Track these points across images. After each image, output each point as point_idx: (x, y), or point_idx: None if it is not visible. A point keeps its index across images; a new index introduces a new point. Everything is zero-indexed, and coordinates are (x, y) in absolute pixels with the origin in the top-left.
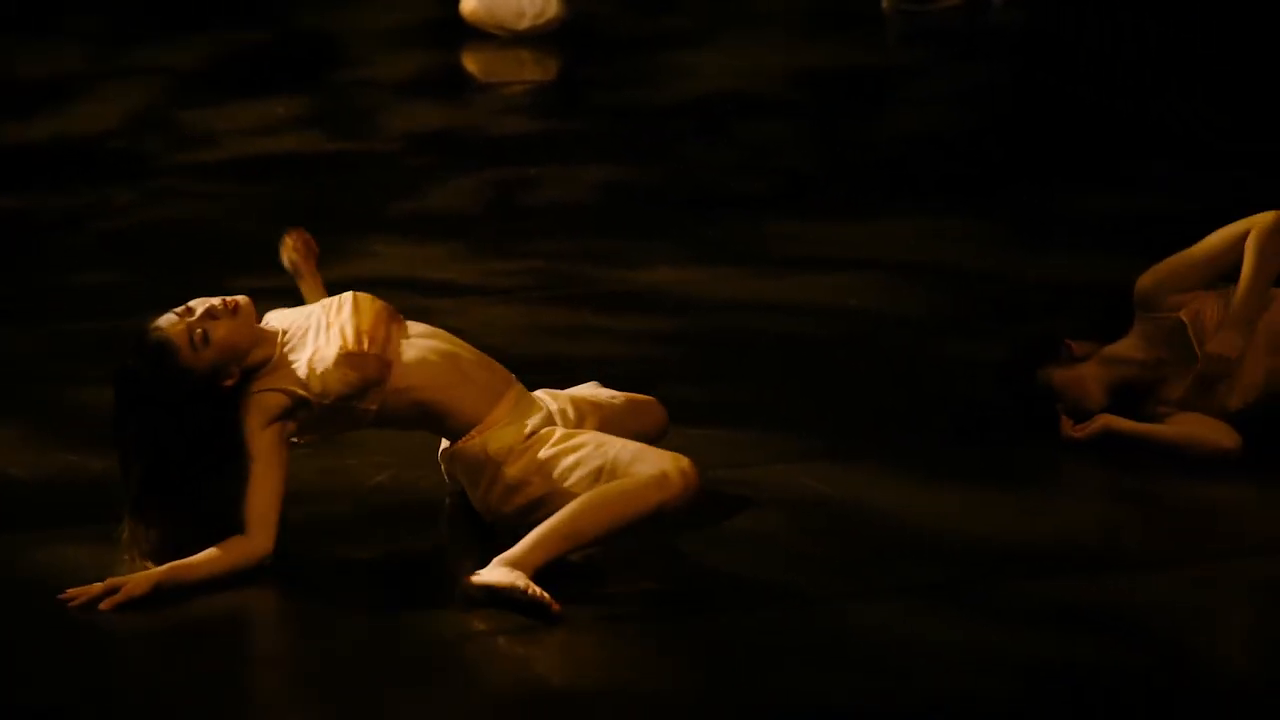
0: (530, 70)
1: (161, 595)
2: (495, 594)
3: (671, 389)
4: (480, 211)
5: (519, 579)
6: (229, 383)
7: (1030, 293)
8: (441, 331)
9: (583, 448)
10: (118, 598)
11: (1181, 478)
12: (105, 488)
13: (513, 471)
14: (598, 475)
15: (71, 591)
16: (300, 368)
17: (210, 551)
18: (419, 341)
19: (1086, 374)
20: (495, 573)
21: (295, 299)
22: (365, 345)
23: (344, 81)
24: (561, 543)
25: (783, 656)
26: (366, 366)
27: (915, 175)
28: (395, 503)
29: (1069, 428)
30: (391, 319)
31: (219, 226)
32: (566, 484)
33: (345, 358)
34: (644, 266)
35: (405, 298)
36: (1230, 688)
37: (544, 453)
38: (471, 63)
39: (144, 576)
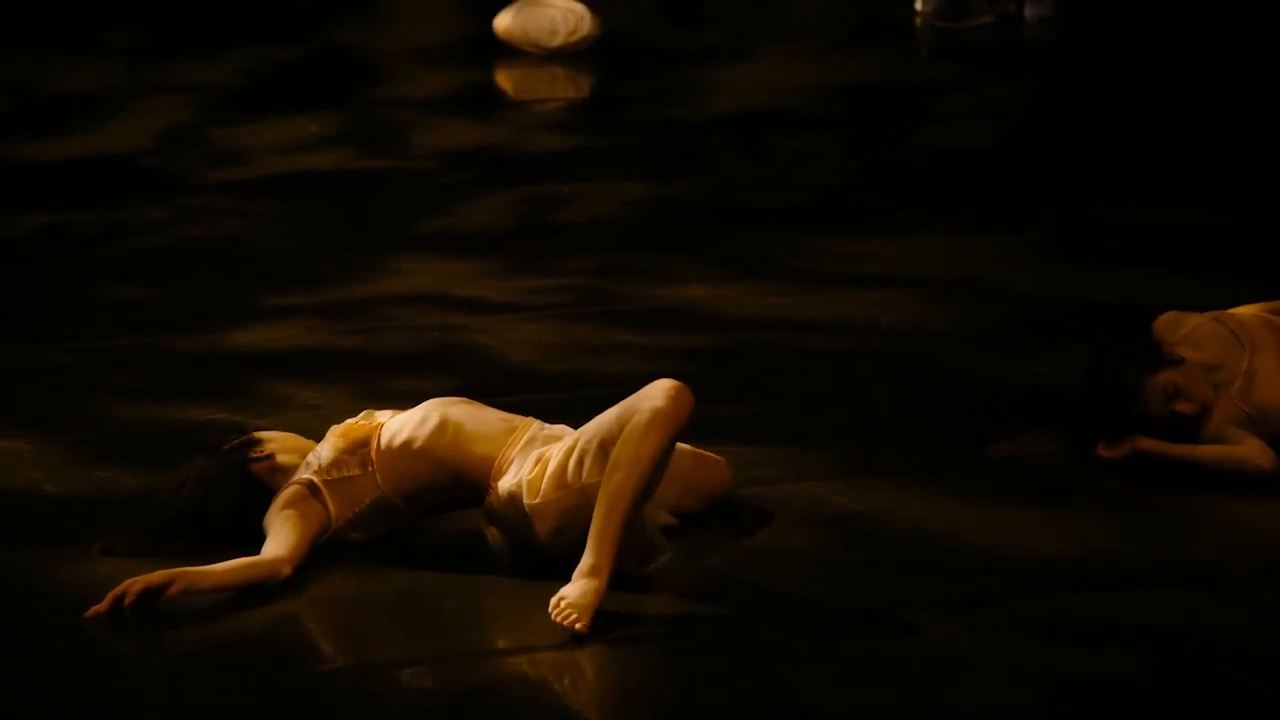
0: (564, 87)
1: (178, 594)
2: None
3: (702, 406)
4: (512, 228)
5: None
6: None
7: (1067, 309)
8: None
9: (576, 440)
10: (137, 587)
11: (1213, 494)
12: (137, 506)
13: (535, 501)
14: (603, 451)
15: (92, 611)
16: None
17: (232, 561)
18: (402, 415)
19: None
20: (589, 596)
21: (328, 314)
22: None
23: (377, 99)
24: (619, 528)
25: (813, 672)
26: (351, 432)
27: (950, 191)
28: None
29: (1102, 448)
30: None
31: (252, 243)
32: (585, 479)
33: (332, 431)
34: (676, 283)
35: (437, 314)
36: (1266, 705)
37: (551, 469)
38: (505, 80)
39: (160, 572)
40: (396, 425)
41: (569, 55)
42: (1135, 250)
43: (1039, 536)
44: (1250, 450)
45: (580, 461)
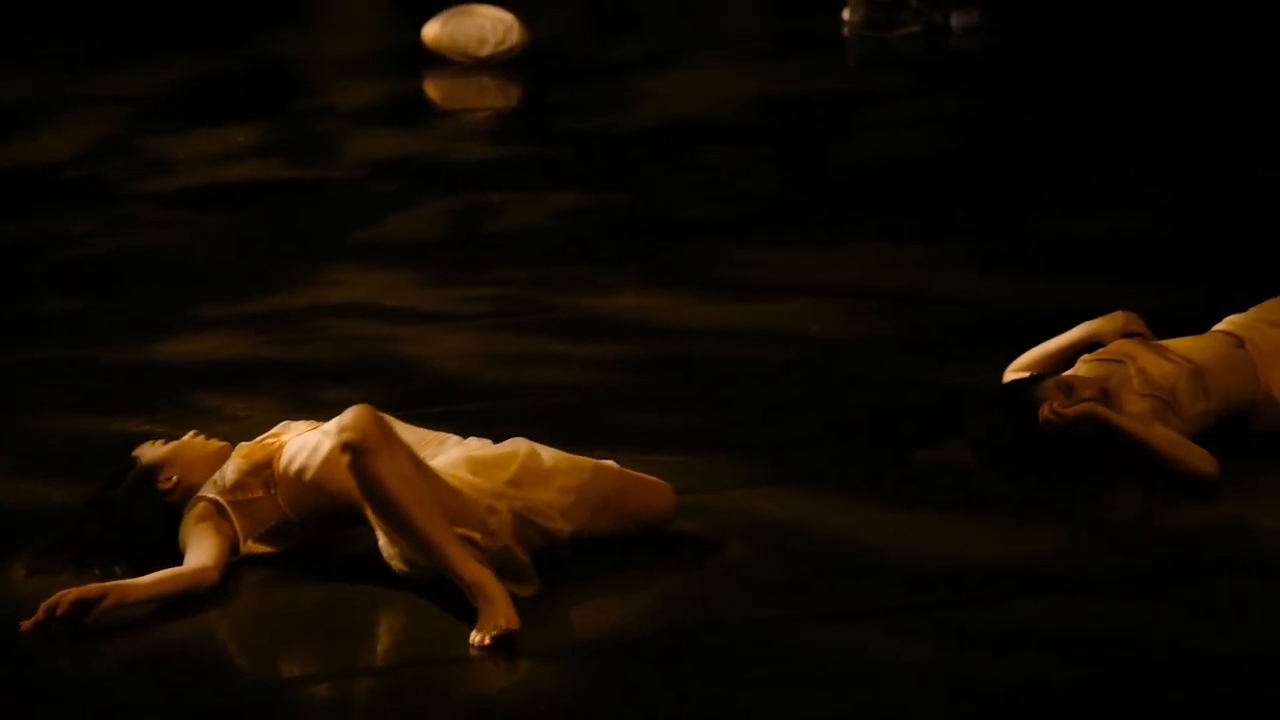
0: (493, 97)
1: (111, 606)
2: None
3: (632, 415)
4: (442, 238)
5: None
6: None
7: (996, 318)
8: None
9: None
10: (69, 599)
11: (1149, 500)
12: (66, 518)
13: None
14: None
15: (28, 624)
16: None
17: (159, 573)
18: (303, 437)
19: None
20: (492, 605)
21: (257, 325)
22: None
23: (306, 108)
24: (442, 553)
25: (746, 681)
26: (254, 454)
27: (878, 200)
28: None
29: (1051, 409)
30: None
31: (181, 254)
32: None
33: (237, 450)
34: (606, 293)
35: (367, 324)
36: (1203, 711)
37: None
38: (434, 89)
39: (93, 585)
40: (294, 449)
41: (498, 64)
42: (1064, 260)
43: (968, 544)
44: (1197, 453)
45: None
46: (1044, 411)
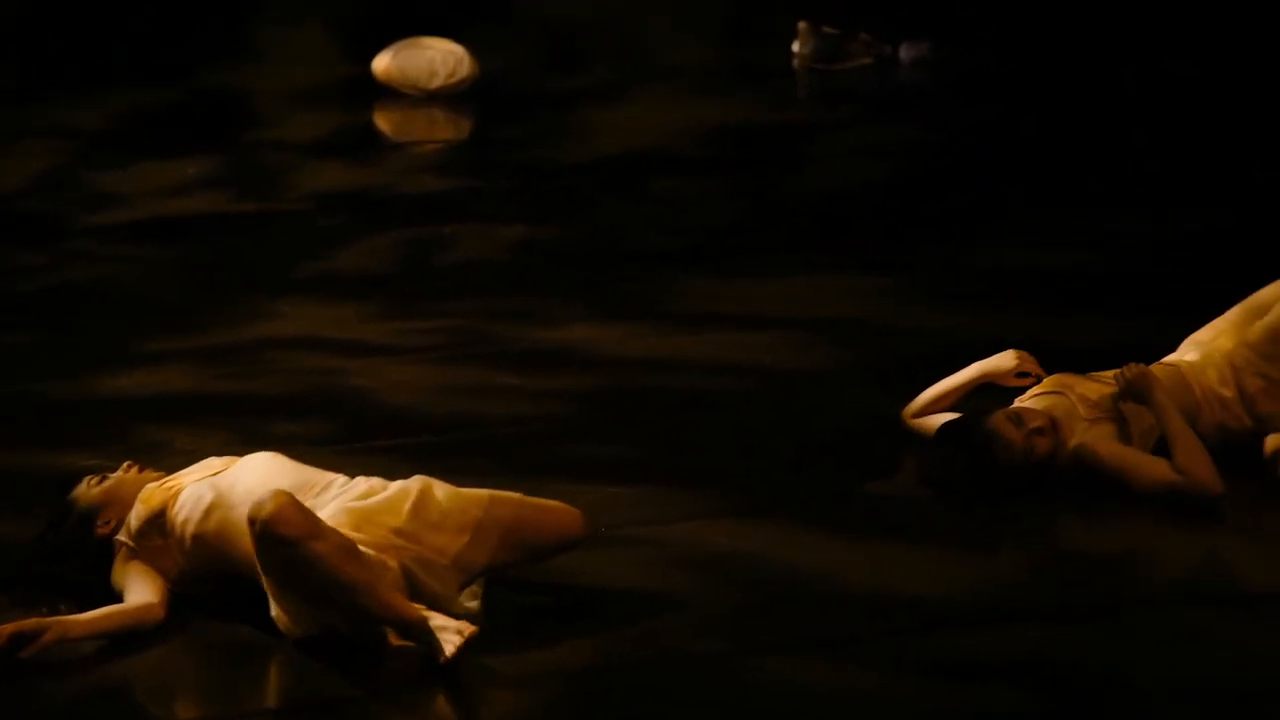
0: (443, 129)
1: (52, 641)
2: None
3: (583, 447)
4: (391, 271)
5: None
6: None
7: (945, 349)
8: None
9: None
10: (6, 632)
11: (1092, 532)
12: (12, 555)
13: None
14: None
15: None
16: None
17: (103, 609)
18: (193, 488)
19: None
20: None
21: (205, 359)
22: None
23: (254, 141)
24: (368, 611)
25: (694, 713)
26: (151, 499)
27: (828, 231)
28: None
29: (1028, 434)
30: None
31: (129, 288)
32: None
33: (142, 492)
34: (557, 325)
35: (315, 358)
36: None
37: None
38: (383, 122)
39: (33, 620)
40: (184, 499)
41: (448, 97)
42: (1012, 290)
43: (918, 575)
44: (1212, 467)
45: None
46: (1014, 436)
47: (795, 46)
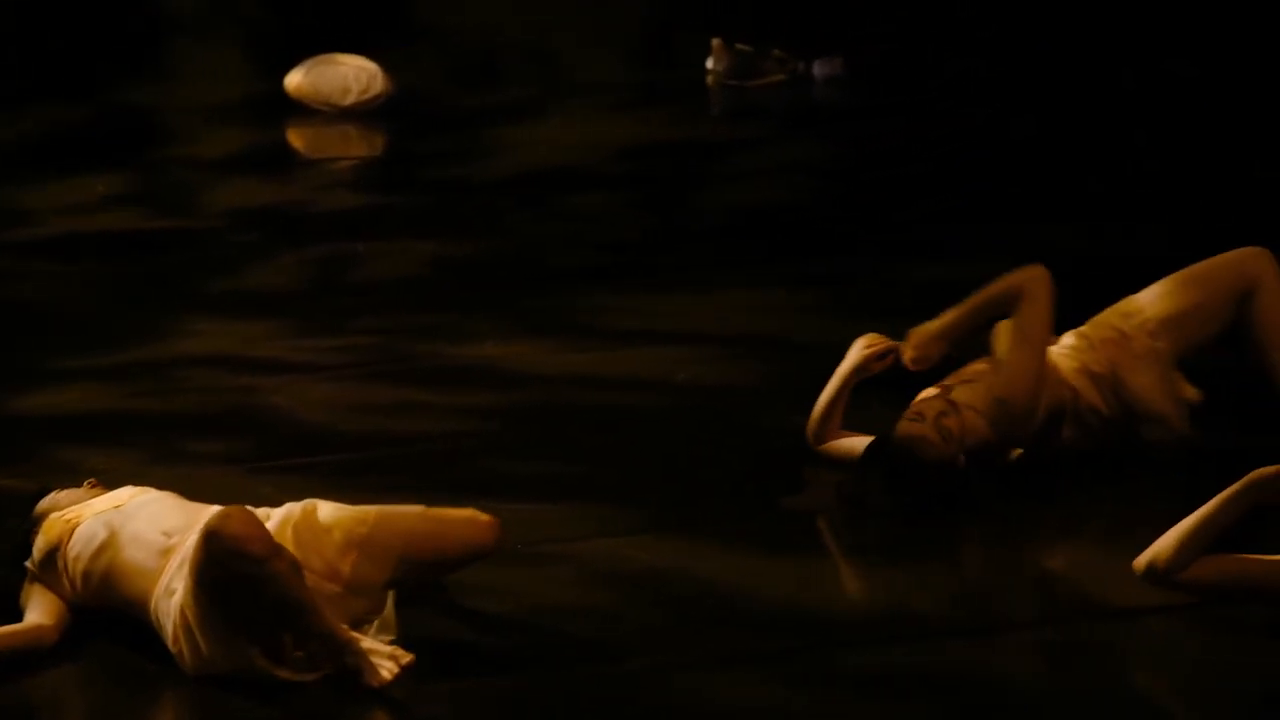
0: (356, 146)
1: None
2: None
3: (499, 464)
4: (305, 288)
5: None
6: None
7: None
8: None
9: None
10: None
11: (1011, 546)
12: None
13: (187, 666)
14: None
15: None
16: None
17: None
18: (90, 523)
19: None
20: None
21: (118, 377)
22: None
23: (167, 158)
24: (308, 623)
25: None
26: (50, 530)
27: (742, 247)
28: None
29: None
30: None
31: (39, 305)
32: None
33: (44, 524)
34: (471, 341)
35: (229, 376)
36: None
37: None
38: (297, 139)
39: None
40: (79, 535)
41: (361, 114)
42: (926, 305)
43: (837, 590)
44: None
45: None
46: (923, 430)
47: (709, 63)
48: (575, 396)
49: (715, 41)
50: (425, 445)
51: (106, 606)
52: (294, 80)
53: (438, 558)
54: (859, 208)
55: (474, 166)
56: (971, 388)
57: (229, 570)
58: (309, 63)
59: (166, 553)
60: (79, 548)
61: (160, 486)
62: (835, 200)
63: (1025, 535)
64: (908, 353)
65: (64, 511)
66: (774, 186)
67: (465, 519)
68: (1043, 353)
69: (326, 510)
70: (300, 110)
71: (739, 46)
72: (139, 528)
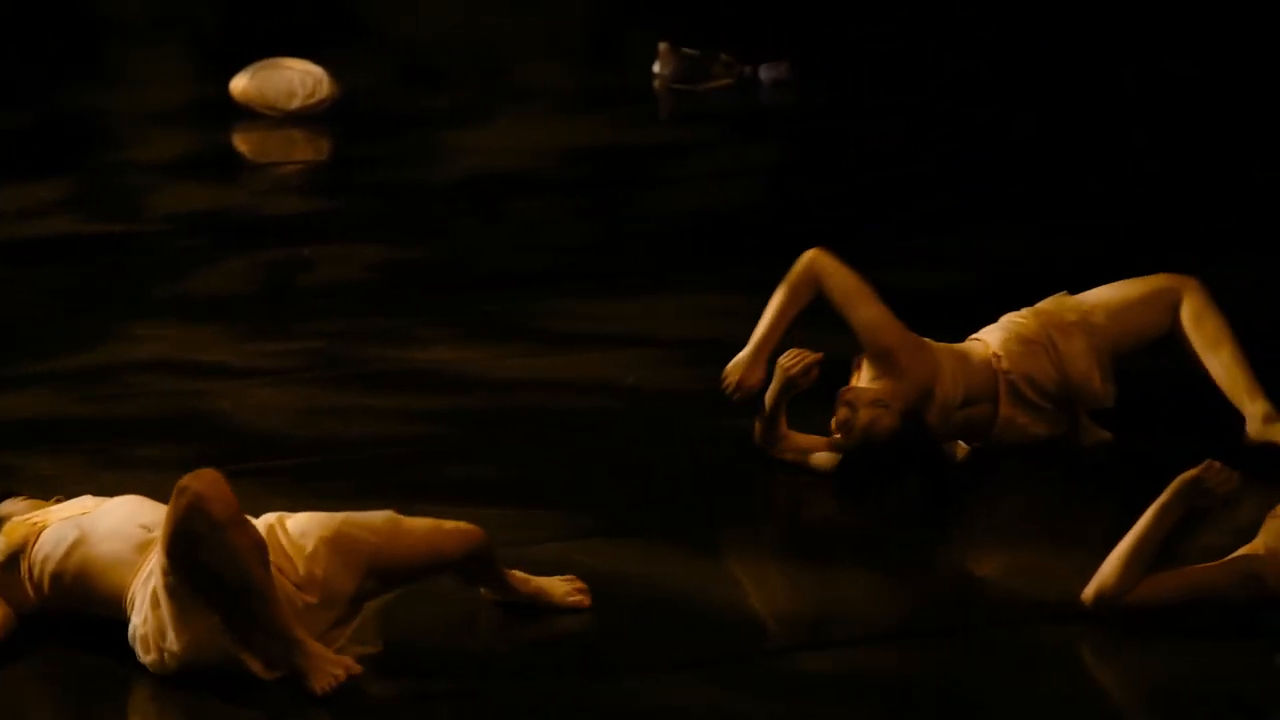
0: (302, 150)
1: None
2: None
3: (448, 468)
4: (252, 292)
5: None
6: None
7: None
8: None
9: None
10: None
11: (953, 549)
12: None
13: (149, 659)
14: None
15: None
16: None
17: None
18: (57, 527)
19: None
20: (307, 682)
21: (62, 382)
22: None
23: (111, 163)
24: (262, 620)
25: None
26: (12, 534)
27: (690, 251)
28: None
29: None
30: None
31: None
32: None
33: (5, 528)
34: (419, 346)
35: (176, 381)
36: None
37: (152, 626)
38: (242, 143)
39: None
40: (46, 538)
41: (307, 118)
42: None
43: (783, 594)
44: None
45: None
46: (852, 416)
47: (656, 68)
48: (525, 401)
49: (662, 45)
50: (375, 450)
51: (76, 608)
52: (239, 84)
53: (408, 564)
54: (807, 211)
55: (421, 171)
56: (864, 366)
57: (190, 529)
58: (254, 66)
59: (145, 546)
60: (47, 549)
61: (107, 492)
62: (783, 204)
63: (974, 538)
64: (733, 394)
65: (27, 515)
66: (723, 190)
67: (445, 532)
68: (873, 298)
69: (296, 520)
70: (246, 114)
71: (686, 50)
72: (114, 523)
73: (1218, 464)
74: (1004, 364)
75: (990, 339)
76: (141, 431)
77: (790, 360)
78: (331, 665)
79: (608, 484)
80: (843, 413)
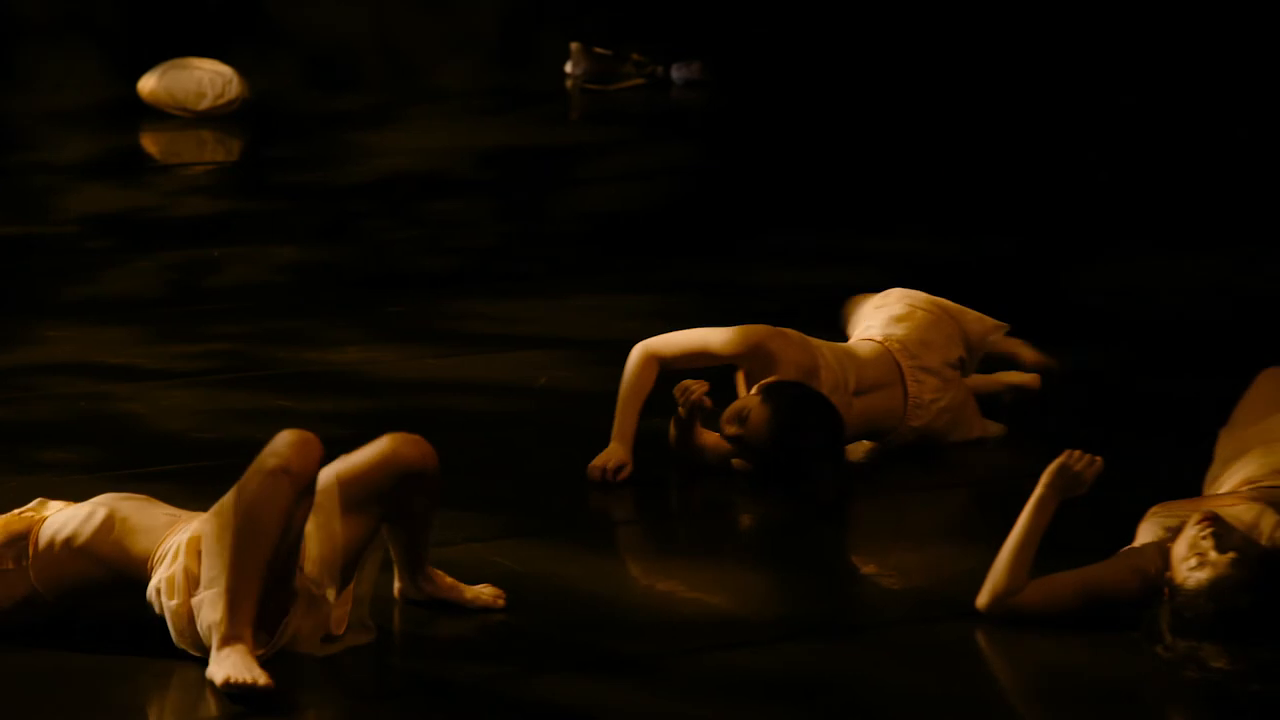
0: (212, 151)
1: None
2: (217, 690)
3: None
4: (161, 294)
5: (229, 670)
6: None
7: (717, 368)
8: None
9: (199, 530)
10: None
11: (858, 550)
12: None
13: (173, 603)
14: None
15: None
16: None
17: None
18: (68, 510)
19: None
20: (213, 667)
21: None
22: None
23: (16, 164)
24: (242, 584)
25: None
26: (11, 525)
27: (601, 251)
28: None
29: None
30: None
31: None
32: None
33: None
34: (330, 347)
35: (83, 383)
36: None
37: (181, 564)
38: (151, 144)
39: None
40: (60, 521)
41: (217, 118)
42: (784, 310)
43: (695, 593)
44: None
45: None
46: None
47: (568, 68)
48: (436, 402)
49: (574, 45)
50: None
51: (83, 583)
52: (148, 84)
53: (378, 488)
54: (719, 212)
55: (332, 172)
56: (741, 379)
57: (260, 483)
58: (163, 67)
59: (173, 521)
60: (71, 526)
61: (15, 497)
62: (695, 204)
63: (877, 537)
64: (615, 477)
65: (15, 511)
66: (634, 190)
67: (384, 442)
68: (712, 329)
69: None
70: (154, 115)
71: (597, 50)
72: (136, 505)
73: (1077, 451)
74: (897, 344)
75: (874, 332)
76: (49, 434)
77: (683, 393)
78: (246, 670)
79: (520, 485)
80: (731, 429)
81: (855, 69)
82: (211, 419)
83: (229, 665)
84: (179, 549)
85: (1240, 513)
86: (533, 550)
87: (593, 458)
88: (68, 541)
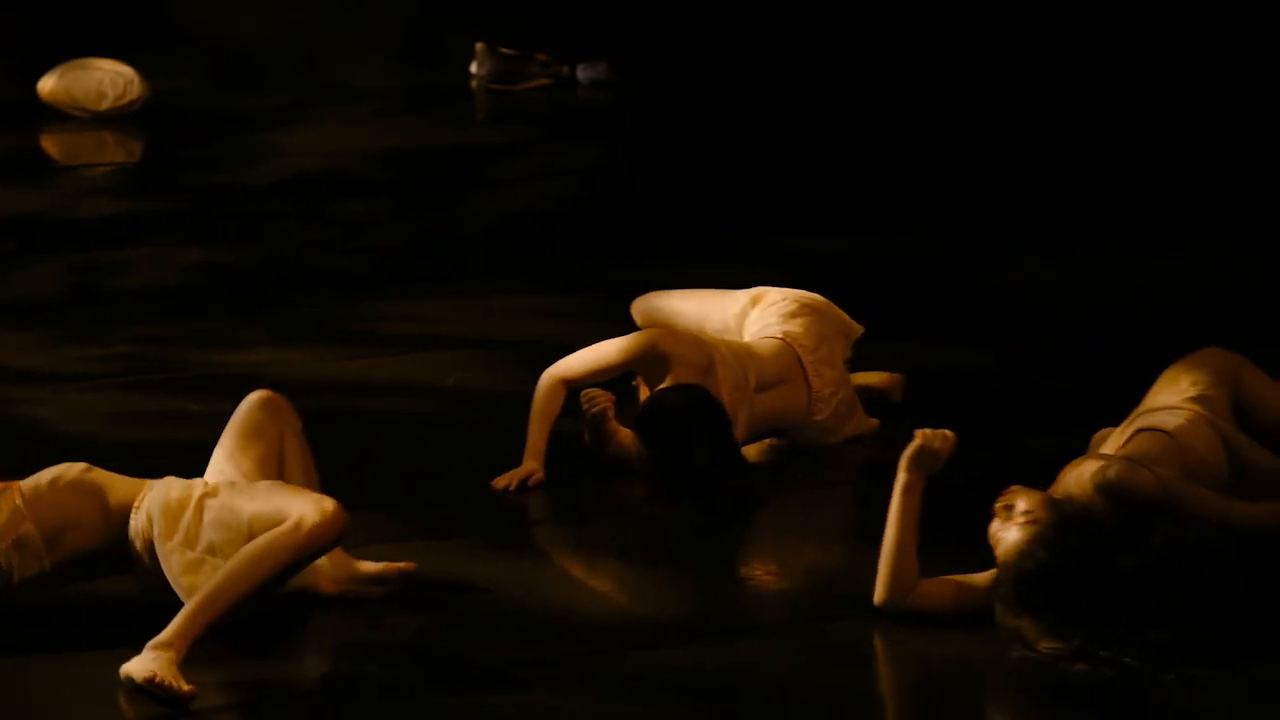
0: (113, 152)
1: None
2: (137, 686)
3: None
4: (64, 297)
5: (156, 669)
6: None
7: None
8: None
9: (223, 501)
10: None
11: (771, 548)
12: None
13: (167, 545)
14: (247, 536)
15: None
16: None
17: None
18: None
19: None
20: (137, 663)
21: None
22: None
23: None
24: (211, 612)
25: None
26: None
27: (508, 252)
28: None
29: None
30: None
31: None
32: (215, 550)
33: None
34: (238, 349)
35: None
36: None
37: (187, 519)
38: (51, 144)
39: None
40: (38, 474)
41: (118, 119)
42: None
43: (607, 594)
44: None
45: (218, 525)
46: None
47: (473, 68)
48: (345, 403)
49: (479, 45)
50: (192, 455)
51: (71, 519)
52: (47, 85)
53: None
54: (627, 212)
55: (238, 172)
56: (641, 384)
57: (293, 546)
58: (63, 67)
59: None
60: (52, 472)
61: None
62: (603, 204)
63: (784, 534)
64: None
65: None
66: (541, 191)
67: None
68: (605, 342)
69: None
70: (54, 115)
71: (503, 50)
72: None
73: (927, 429)
74: (797, 340)
75: (772, 330)
76: None
77: (587, 402)
78: (167, 674)
79: (430, 486)
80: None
81: (765, 66)
82: (117, 422)
83: (157, 665)
84: (192, 500)
85: (1083, 469)
86: (443, 553)
87: (503, 458)
88: (53, 481)
